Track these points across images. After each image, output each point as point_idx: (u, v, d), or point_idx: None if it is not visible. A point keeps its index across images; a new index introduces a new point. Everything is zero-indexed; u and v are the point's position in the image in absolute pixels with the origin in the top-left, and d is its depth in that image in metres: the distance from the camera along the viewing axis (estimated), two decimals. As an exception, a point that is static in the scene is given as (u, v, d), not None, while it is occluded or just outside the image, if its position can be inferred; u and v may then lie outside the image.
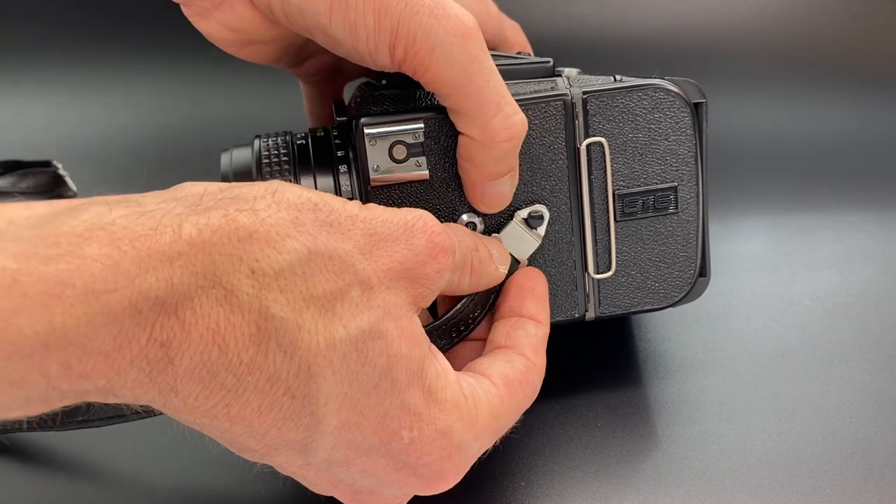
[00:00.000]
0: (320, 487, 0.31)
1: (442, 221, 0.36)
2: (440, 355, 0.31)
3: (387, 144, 0.34)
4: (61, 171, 0.57)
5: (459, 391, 0.30)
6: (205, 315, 0.24)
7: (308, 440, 0.27)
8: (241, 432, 0.26)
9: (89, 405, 0.34)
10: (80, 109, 0.67)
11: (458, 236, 0.32)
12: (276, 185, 0.28)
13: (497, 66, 0.32)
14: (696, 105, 0.36)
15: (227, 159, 0.38)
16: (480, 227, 0.36)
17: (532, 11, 0.66)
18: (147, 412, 0.32)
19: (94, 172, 0.60)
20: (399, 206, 0.35)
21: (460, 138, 0.33)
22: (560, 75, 0.37)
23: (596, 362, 0.44)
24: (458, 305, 0.34)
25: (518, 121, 0.32)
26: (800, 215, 0.56)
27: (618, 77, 0.37)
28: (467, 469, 0.31)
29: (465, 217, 0.36)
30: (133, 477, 0.38)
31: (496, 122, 0.31)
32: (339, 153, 0.36)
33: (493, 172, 0.33)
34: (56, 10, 0.67)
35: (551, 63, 0.37)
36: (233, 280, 0.25)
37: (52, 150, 0.61)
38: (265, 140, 0.38)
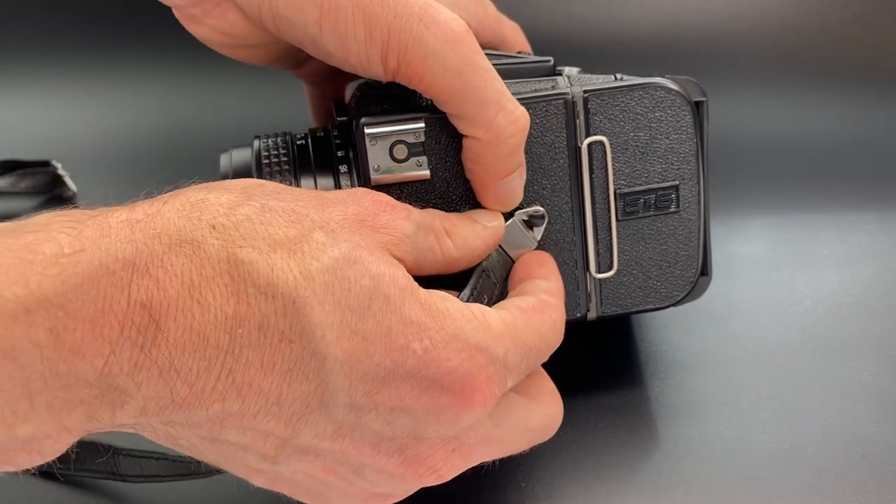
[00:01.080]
0: (366, 458, 0.28)
1: None
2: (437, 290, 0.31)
3: (387, 144, 0.34)
4: (60, 171, 0.57)
5: (460, 303, 0.29)
6: (177, 272, 0.24)
7: (322, 386, 0.26)
8: (256, 411, 0.26)
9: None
10: (80, 109, 0.67)
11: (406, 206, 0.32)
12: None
13: (496, 65, 0.32)
14: (697, 103, 0.36)
15: (227, 160, 0.38)
16: None
17: (532, 11, 0.66)
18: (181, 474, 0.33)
19: (94, 172, 0.60)
20: None
21: (465, 142, 0.33)
22: (560, 74, 0.37)
23: (596, 363, 0.44)
24: (463, 292, 0.33)
25: (521, 114, 0.32)
26: (801, 215, 0.56)
27: (618, 76, 0.37)
28: (502, 380, 0.29)
29: None
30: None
31: (499, 119, 0.31)
32: (340, 153, 0.36)
33: (502, 170, 0.33)
34: (56, 10, 0.67)
35: (551, 62, 0.37)
36: (197, 236, 0.25)
37: (51, 150, 0.61)
38: (265, 140, 0.38)
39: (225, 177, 0.37)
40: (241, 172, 0.37)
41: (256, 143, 0.38)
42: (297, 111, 0.48)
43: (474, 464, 0.31)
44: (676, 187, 0.37)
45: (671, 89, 0.36)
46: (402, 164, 0.34)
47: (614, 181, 0.36)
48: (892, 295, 0.48)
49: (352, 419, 0.27)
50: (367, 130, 0.33)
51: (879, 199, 0.58)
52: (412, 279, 0.29)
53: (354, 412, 0.27)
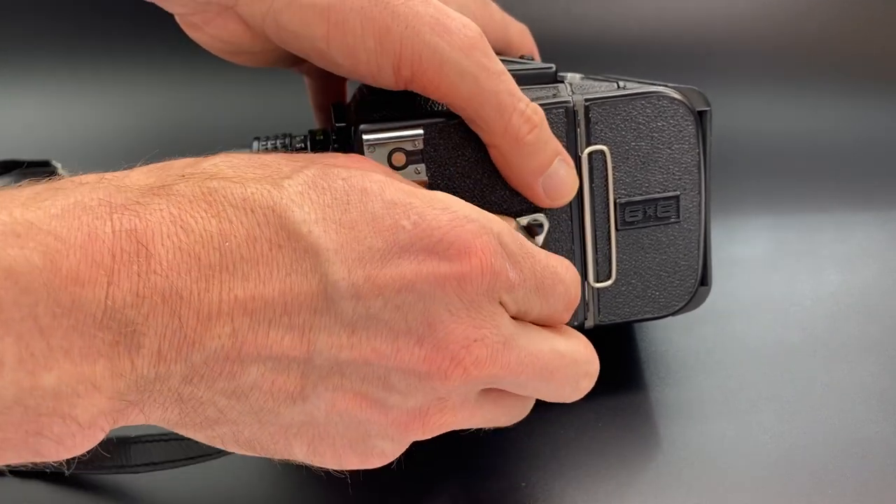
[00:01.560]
0: (388, 360, 0.28)
1: None
2: None
3: (385, 151, 0.33)
4: (60, 171, 0.57)
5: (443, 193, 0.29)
6: (154, 207, 0.25)
7: (323, 281, 0.26)
8: (266, 328, 0.26)
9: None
10: (80, 109, 0.67)
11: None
12: None
13: None
14: (701, 113, 0.36)
15: None
16: None
17: (532, 11, 0.66)
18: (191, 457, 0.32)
19: (94, 172, 0.60)
20: None
21: (490, 151, 0.33)
22: (563, 81, 0.36)
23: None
24: None
25: (533, 110, 0.32)
26: (801, 216, 0.56)
27: (621, 83, 0.36)
28: (499, 255, 0.29)
29: None
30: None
31: (514, 120, 0.31)
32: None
33: (537, 166, 0.33)
34: (56, 10, 0.67)
35: (554, 69, 0.36)
36: (167, 182, 0.26)
37: (52, 150, 0.61)
38: (263, 142, 0.38)
39: None
40: None
41: (255, 144, 0.38)
42: (297, 111, 0.48)
43: (502, 369, 0.29)
44: (677, 198, 0.37)
45: (674, 99, 0.36)
46: (401, 171, 0.34)
47: (614, 191, 0.36)
48: (893, 295, 0.48)
49: (361, 312, 0.27)
50: (365, 137, 0.33)
51: (880, 199, 0.58)
52: (391, 175, 0.29)
53: (361, 302, 0.27)
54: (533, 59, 0.40)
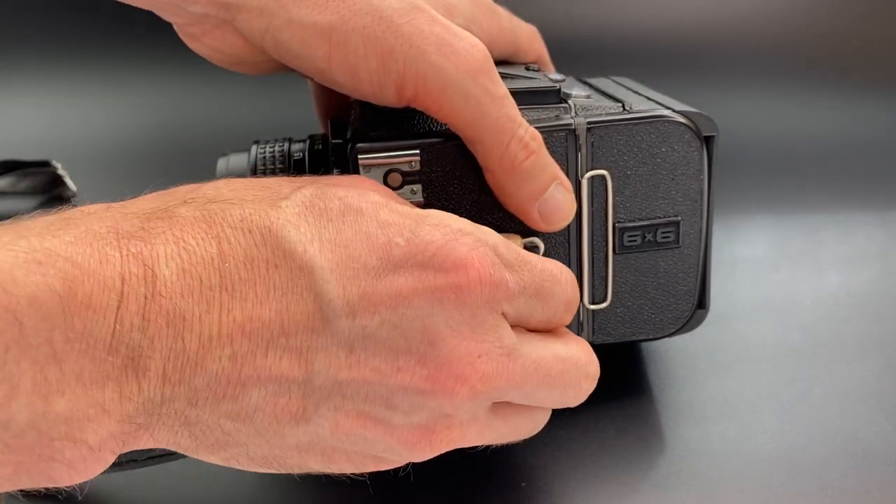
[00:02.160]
0: (389, 379, 0.27)
1: None
2: None
3: (381, 171, 0.33)
4: (60, 171, 0.57)
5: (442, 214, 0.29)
6: (158, 231, 0.25)
7: (318, 300, 0.26)
8: (265, 348, 0.26)
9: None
10: (80, 109, 0.67)
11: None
12: None
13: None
14: (707, 139, 0.35)
15: (224, 165, 0.38)
16: None
17: (532, 11, 0.66)
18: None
19: (94, 173, 0.60)
20: None
21: (485, 173, 0.33)
22: (567, 100, 0.36)
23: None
24: None
25: (532, 135, 0.32)
26: (802, 216, 0.56)
27: (627, 105, 0.36)
28: (497, 266, 0.28)
29: None
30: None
31: (512, 146, 0.31)
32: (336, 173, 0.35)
33: (532, 192, 0.32)
34: (56, 10, 0.67)
35: (559, 87, 0.35)
36: (169, 206, 0.27)
37: (52, 150, 0.61)
38: (262, 148, 0.38)
39: (220, 175, 0.37)
40: (239, 173, 0.37)
41: (254, 149, 0.38)
42: (298, 112, 0.48)
43: (508, 381, 0.29)
44: (678, 223, 0.36)
45: (680, 124, 0.35)
46: (397, 191, 0.33)
47: (614, 215, 0.36)
48: (893, 295, 0.48)
49: (357, 330, 0.27)
50: (361, 157, 0.33)
51: (881, 200, 0.58)
52: (390, 196, 0.29)
53: (357, 320, 0.26)
54: (539, 70, 0.39)
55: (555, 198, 0.33)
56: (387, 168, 0.33)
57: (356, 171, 0.33)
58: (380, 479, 0.36)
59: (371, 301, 0.27)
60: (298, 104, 0.47)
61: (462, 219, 0.29)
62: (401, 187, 0.33)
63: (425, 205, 0.33)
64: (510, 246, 0.30)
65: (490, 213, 0.34)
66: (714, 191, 0.36)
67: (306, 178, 0.30)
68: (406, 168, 0.33)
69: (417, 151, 0.33)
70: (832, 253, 0.52)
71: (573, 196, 0.34)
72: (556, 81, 0.39)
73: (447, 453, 0.38)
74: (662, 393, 0.41)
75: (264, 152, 0.38)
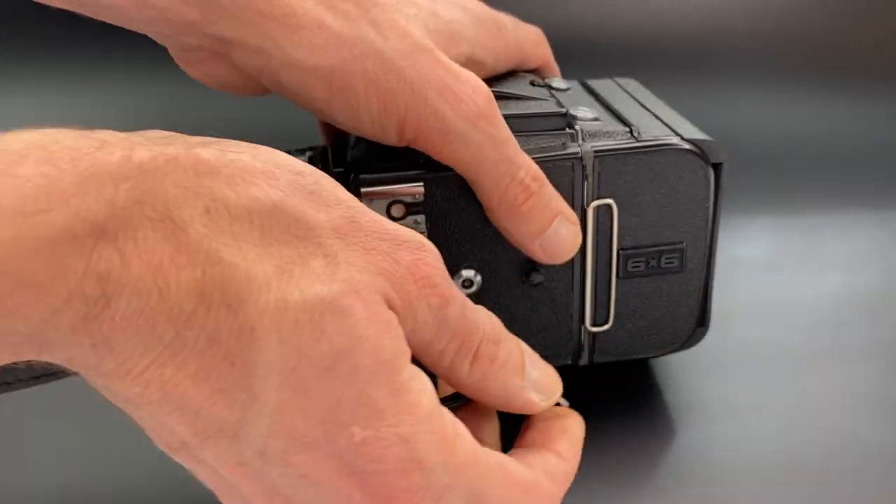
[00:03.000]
0: (256, 501, 0.26)
1: None
2: (426, 378, 0.26)
3: (384, 203, 0.33)
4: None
5: (437, 404, 0.25)
6: (148, 249, 0.21)
7: (242, 422, 0.23)
8: (172, 409, 0.23)
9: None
10: (82, 110, 0.67)
11: (463, 297, 0.28)
12: (264, 147, 0.25)
13: (507, 115, 0.32)
14: (716, 165, 0.35)
15: None
16: (478, 280, 0.35)
17: (531, 11, 0.66)
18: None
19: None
20: None
21: (486, 211, 0.33)
22: (574, 123, 0.35)
23: (596, 364, 0.43)
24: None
25: (533, 176, 0.31)
26: (803, 216, 0.56)
27: (635, 130, 0.35)
28: None
29: (464, 272, 0.35)
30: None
31: (511, 189, 0.31)
32: None
33: (534, 230, 0.32)
34: (57, 10, 0.67)
35: (566, 112, 0.35)
36: (184, 215, 0.22)
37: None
38: None
39: None
40: None
41: None
42: (302, 114, 0.48)
43: None
44: (682, 249, 0.36)
45: (688, 153, 0.34)
46: (399, 221, 0.33)
47: (619, 241, 0.35)
48: (894, 296, 0.48)
49: (258, 465, 0.25)
50: (363, 190, 0.32)
51: (881, 200, 0.58)
52: (401, 349, 0.25)
53: (263, 461, 0.24)
54: (545, 82, 0.38)
55: (558, 233, 0.33)
56: (390, 200, 0.33)
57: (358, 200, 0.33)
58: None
59: (287, 461, 0.24)
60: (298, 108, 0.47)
61: (442, 436, 0.25)
62: (404, 217, 0.33)
63: (429, 235, 0.33)
64: (471, 499, 0.26)
65: (494, 243, 0.34)
66: (720, 215, 0.36)
67: (357, 248, 0.25)
68: (409, 200, 0.33)
69: (421, 184, 0.33)
70: (833, 253, 0.52)
71: (578, 228, 0.33)
72: (562, 91, 0.38)
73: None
74: (663, 393, 0.41)
75: None
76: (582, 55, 0.66)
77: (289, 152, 0.39)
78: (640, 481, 0.37)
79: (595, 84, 0.42)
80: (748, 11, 0.69)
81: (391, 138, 0.31)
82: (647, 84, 0.43)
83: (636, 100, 0.40)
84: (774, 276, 0.50)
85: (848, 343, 0.45)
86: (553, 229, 0.32)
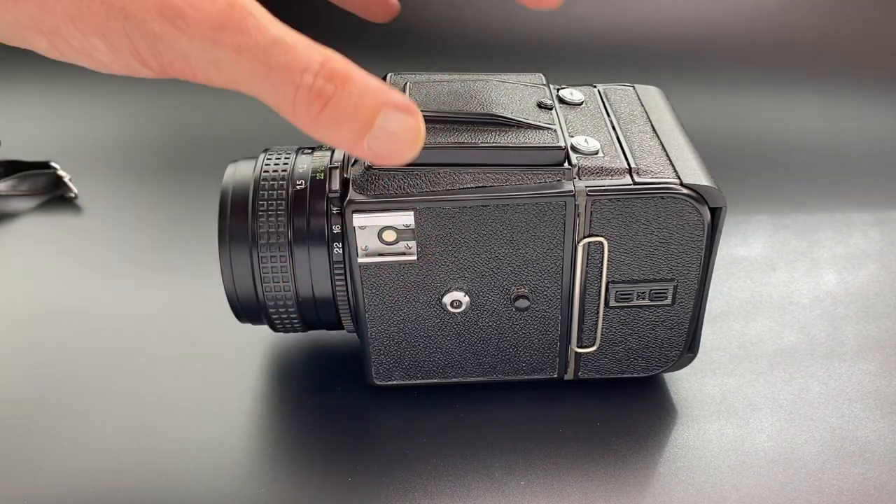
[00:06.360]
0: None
1: (429, 299, 0.36)
2: None
3: (376, 230, 0.34)
4: (60, 172, 0.57)
5: None
6: None
7: None
8: None
9: None
10: (82, 110, 0.67)
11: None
12: None
13: (504, 146, 0.32)
14: (713, 210, 0.35)
15: (231, 171, 0.38)
16: (466, 301, 0.36)
17: (532, 14, 0.66)
18: None
19: (95, 174, 0.60)
20: (386, 279, 0.35)
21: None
22: (572, 155, 0.34)
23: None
24: None
25: (326, 76, 0.26)
26: (799, 215, 0.56)
27: (635, 169, 0.34)
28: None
29: (455, 293, 0.36)
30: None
31: (299, 100, 0.26)
32: (335, 228, 0.36)
33: (348, 137, 0.26)
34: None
35: (564, 146, 0.34)
36: None
37: (52, 150, 0.61)
38: (269, 157, 0.38)
39: (225, 189, 0.37)
40: (241, 189, 0.37)
41: (262, 158, 0.38)
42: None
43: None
44: (675, 285, 0.36)
45: (686, 197, 0.34)
46: (391, 246, 0.34)
47: (609, 274, 0.36)
48: (891, 295, 0.49)
49: None
50: (356, 218, 0.33)
51: (878, 199, 0.58)
52: None
53: None
54: (551, 115, 0.36)
55: (386, 130, 0.26)
56: (382, 226, 0.34)
57: (351, 230, 0.33)
58: (377, 477, 0.36)
59: None
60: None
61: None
62: (395, 243, 0.34)
63: (419, 258, 0.34)
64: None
65: (481, 270, 0.35)
66: (716, 253, 0.36)
67: None
68: (400, 226, 0.34)
69: (412, 214, 0.33)
70: (829, 252, 0.53)
71: (415, 118, 0.27)
72: (575, 105, 0.38)
73: (445, 447, 0.38)
74: (661, 392, 0.41)
75: (269, 164, 0.38)
76: (579, 56, 0.66)
77: (297, 151, 0.39)
78: (638, 479, 0.37)
79: (613, 95, 0.41)
80: (747, 11, 0.69)
81: (145, 72, 0.27)
82: (669, 101, 0.42)
83: (650, 120, 0.39)
84: (771, 274, 0.50)
85: (844, 341, 0.45)
86: (379, 127, 0.26)
